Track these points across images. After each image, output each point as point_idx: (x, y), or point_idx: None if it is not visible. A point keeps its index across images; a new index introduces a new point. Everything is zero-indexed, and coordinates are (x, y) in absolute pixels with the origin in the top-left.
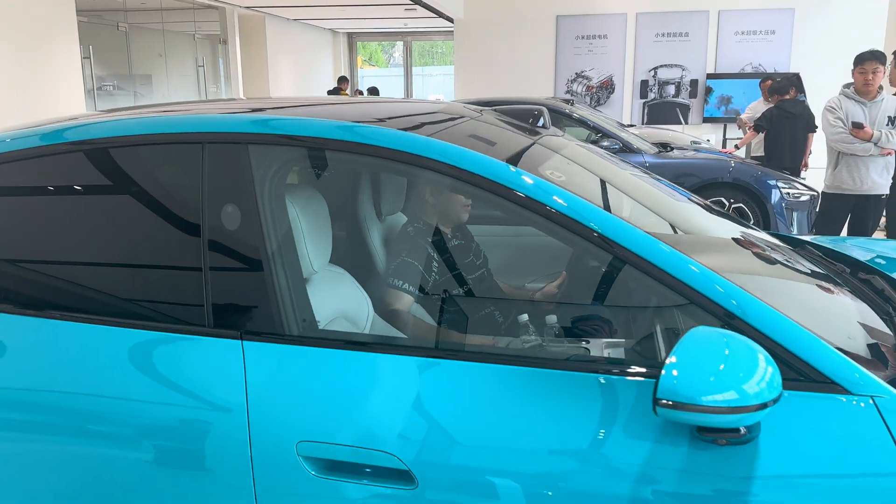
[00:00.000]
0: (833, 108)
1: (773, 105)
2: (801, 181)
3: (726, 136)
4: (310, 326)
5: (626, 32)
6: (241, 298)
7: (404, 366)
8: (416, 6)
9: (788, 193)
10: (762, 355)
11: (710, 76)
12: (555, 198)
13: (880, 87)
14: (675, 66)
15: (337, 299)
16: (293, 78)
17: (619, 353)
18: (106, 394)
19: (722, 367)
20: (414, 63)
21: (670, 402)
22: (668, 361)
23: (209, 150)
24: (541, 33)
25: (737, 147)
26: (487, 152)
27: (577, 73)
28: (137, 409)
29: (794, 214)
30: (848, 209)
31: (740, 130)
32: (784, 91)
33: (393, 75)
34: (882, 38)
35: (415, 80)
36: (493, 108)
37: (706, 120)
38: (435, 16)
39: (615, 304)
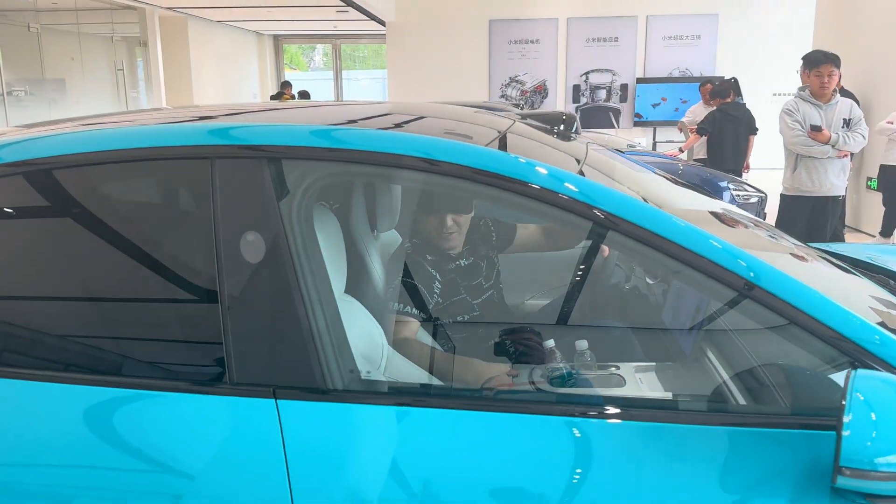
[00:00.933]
0: (791, 110)
1: (714, 108)
2: (749, 183)
3: (656, 140)
4: (356, 378)
5: (558, 37)
6: (273, 347)
7: (493, 422)
8: (348, 8)
9: (738, 195)
10: None
11: (639, 80)
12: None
13: (835, 90)
14: (606, 70)
15: (354, 335)
16: (218, 82)
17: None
18: (91, 466)
19: None
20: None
21: (857, 471)
22: (845, 420)
23: (220, 166)
24: (474, 37)
25: (681, 150)
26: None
27: (511, 78)
28: (134, 483)
29: None
30: (807, 211)
31: (682, 134)
32: (725, 94)
33: (317, 79)
34: (809, 41)
35: (343, 84)
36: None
37: (636, 124)
38: (366, 18)
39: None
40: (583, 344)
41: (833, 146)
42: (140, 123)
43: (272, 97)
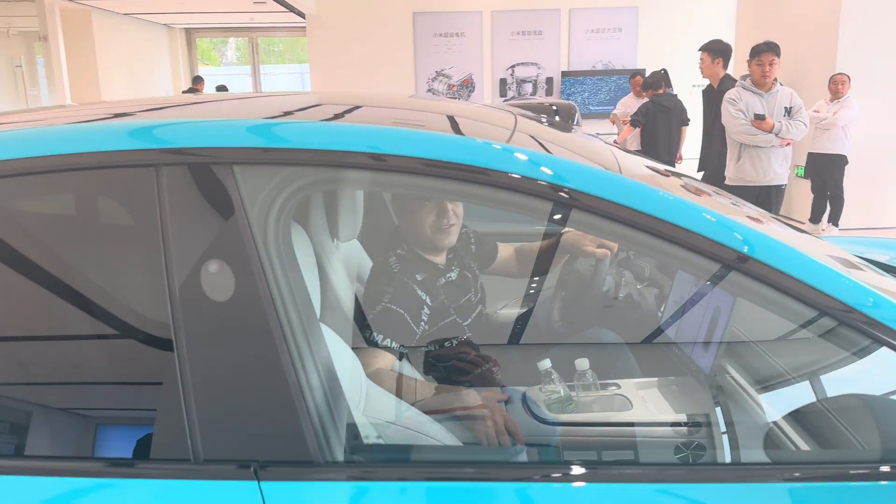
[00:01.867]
0: (734, 99)
1: (647, 100)
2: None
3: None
4: (360, 445)
5: (483, 30)
6: (252, 412)
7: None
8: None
9: None
10: None
11: (564, 74)
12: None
13: (775, 79)
14: (532, 64)
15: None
16: (127, 79)
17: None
18: None
19: None
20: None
21: None
22: None
23: (168, 174)
24: (398, 30)
25: (615, 143)
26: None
27: (437, 72)
28: None
29: None
30: (751, 201)
31: (614, 126)
32: (657, 86)
33: (231, 74)
34: (732, 33)
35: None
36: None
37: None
38: (284, 10)
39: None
40: (583, 363)
41: (776, 135)
42: (52, 123)
43: (184, 93)
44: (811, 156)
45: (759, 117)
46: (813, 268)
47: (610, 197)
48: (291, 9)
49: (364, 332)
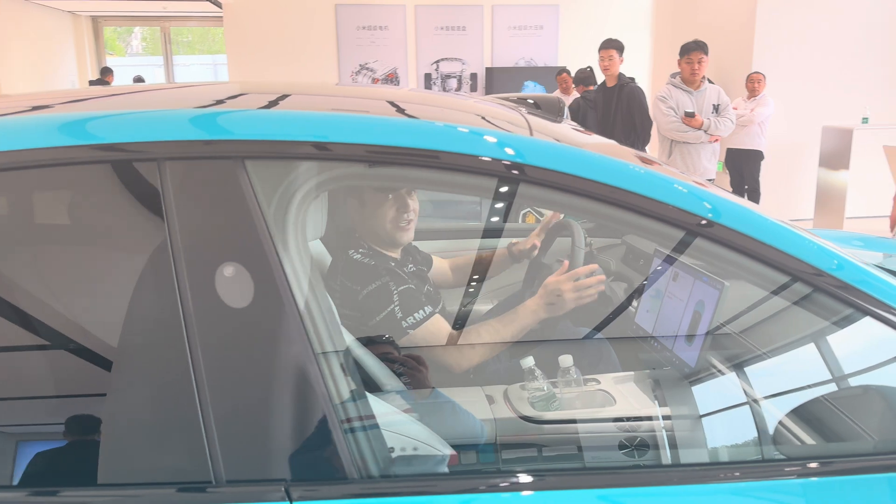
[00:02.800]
0: (664, 97)
1: (578, 96)
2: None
3: None
4: (389, 459)
5: (407, 24)
6: (280, 428)
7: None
8: None
9: None
10: None
11: (488, 70)
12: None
13: (704, 76)
14: (456, 59)
15: None
16: (29, 69)
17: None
18: None
19: None
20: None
21: None
22: None
23: (172, 169)
24: (320, 22)
25: None
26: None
27: (361, 65)
28: None
29: None
30: None
31: None
32: (589, 82)
33: (138, 65)
34: (648, 32)
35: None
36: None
37: None
38: None
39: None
40: (567, 360)
41: (706, 131)
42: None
43: (91, 84)
44: (730, 151)
45: (689, 114)
46: (777, 230)
47: (582, 173)
48: None
49: (402, 324)
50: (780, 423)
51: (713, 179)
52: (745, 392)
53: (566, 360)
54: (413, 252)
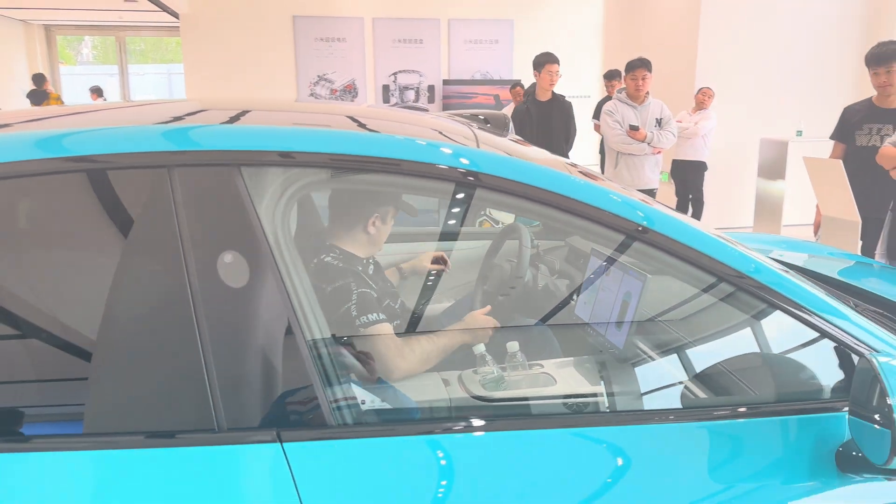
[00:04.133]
0: (611, 111)
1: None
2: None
3: None
4: (363, 411)
5: (365, 37)
6: (270, 384)
7: (519, 442)
8: None
9: None
10: None
11: (445, 82)
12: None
13: (647, 92)
14: (413, 71)
15: None
16: None
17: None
18: None
19: None
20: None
21: None
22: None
23: (180, 175)
24: (278, 33)
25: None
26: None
27: (319, 76)
28: None
29: None
30: None
31: None
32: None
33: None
34: (599, 44)
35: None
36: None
37: None
38: (156, 9)
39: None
40: (513, 346)
41: (649, 144)
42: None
43: (31, 94)
44: (675, 162)
45: (634, 128)
46: (702, 238)
47: (542, 185)
48: (165, 8)
49: (355, 321)
50: (689, 384)
51: (656, 188)
52: (662, 363)
53: (513, 346)
54: (379, 271)
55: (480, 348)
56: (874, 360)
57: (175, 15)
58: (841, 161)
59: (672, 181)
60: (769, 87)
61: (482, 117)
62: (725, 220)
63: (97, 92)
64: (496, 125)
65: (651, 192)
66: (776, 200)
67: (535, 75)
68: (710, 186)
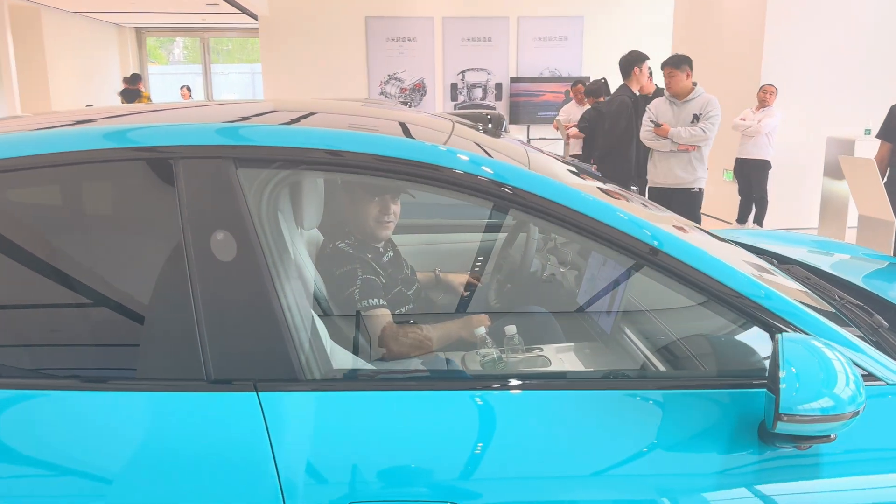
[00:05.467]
0: (648, 108)
1: (589, 107)
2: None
3: (530, 137)
4: (330, 368)
5: (434, 36)
6: (250, 343)
7: (464, 401)
8: (219, 0)
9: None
10: (838, 360)
11: (513, 80)
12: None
13: (695, 86)
14: (481, 69)
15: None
16: (76, 79)
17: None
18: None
19: (823, 376)
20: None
21: (792, 416)
22: (782, 375)
23: (184, 167)
24: (351, 34)
25: (567, 142)
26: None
27: (389, 75)
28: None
29: None
30: (665, 203)
31: (557, 132)
32: (599, 93)
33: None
34: (669, 41)
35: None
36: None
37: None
38: (237, 11)
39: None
40: (511, 329)
41: (671, 140)
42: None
43: (122, 93)
44: (738, 161)
45: (656, 125)
46: (710, 261)
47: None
48: (244, 10)
49: (357, 305)
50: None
51: (695, 189)
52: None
53: (510, 329)
54: (392, 242)
55: (482, 331)
56: (778, 337)
57: (254, 17)
58: (874, 160)
59: (735, 180)
60: (837, 84)
61: (488, 116)
62: (790, 220)
63: (188, 89)
64: (495, 125)
65: (687, 193)
66: (841, 201)
67: (636, 72)
68: (775, 186)
